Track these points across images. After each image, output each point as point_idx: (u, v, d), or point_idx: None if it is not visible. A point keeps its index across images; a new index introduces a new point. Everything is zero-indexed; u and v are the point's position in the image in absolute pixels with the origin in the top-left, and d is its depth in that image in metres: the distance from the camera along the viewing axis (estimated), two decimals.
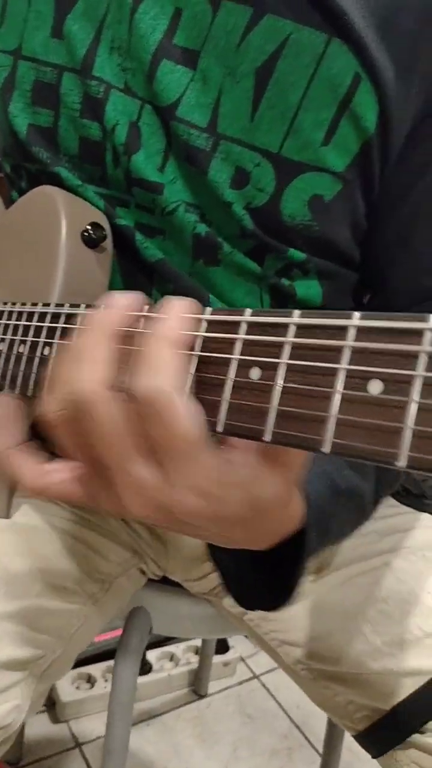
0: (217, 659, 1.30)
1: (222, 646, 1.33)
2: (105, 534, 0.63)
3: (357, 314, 0.25)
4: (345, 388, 0.24)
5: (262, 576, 0.40)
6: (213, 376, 0.29)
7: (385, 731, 0.53)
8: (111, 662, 1.24)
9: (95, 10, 0.50)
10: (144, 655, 1.26)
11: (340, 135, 0.49)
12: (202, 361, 0.30)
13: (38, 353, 0.44)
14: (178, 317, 0.30)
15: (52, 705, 1.20)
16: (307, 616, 0.58)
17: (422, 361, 0.22)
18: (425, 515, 0.63)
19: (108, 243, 0.53)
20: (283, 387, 0.27)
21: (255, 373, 0.28)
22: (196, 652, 1.31)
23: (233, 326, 0.29)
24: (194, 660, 1.30)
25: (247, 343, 0.29)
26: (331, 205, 0.51)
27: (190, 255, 0.54)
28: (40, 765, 1.12)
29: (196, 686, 1.29)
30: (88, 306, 0.40)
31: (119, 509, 0.31)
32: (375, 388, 0.23)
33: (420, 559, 0.57)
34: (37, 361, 0.43)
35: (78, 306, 0.41)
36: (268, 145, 0.49)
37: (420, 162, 0.51)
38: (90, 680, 1.22)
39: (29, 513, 0.58)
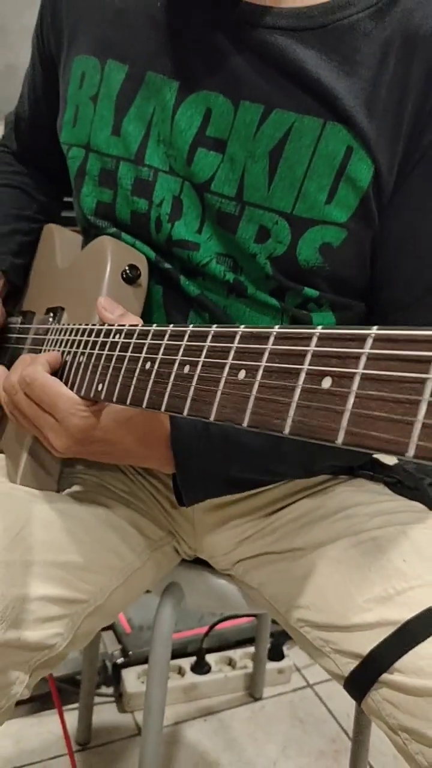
0: (272, 666, 1.40)
1: (277, 654, 1.42)
2: (144, 514, 0.76)
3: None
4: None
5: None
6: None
7: (363, 673, 0.62)
8: (173, 662, 1.36)
9: (144, 113, 0.66)
10: (203, 656, 1.38)
11: (340, 195, 0.62)
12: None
13: (77, 360, 0.59)
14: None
15: (119, 696, 1.33)
16: (306, 583, 0.69)
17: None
18: (414, 503, 0.73)
19: (143, 280, 0.67)
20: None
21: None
22: (252, 659, 1.41)
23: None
24: (250, 665, 1.40)
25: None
26: (339, 249, 0.64)
27: (224, 292, 0.68)
28: (106, 748, 1.24)
29: (252, 690, 1.39)
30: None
31: (53, 448, 0.62)
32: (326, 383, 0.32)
33: (401, 534, 0.67)
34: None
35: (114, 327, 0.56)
36: (283, 208, 0.63)
37: (405, 197, 0.63)
38: None
39: (78, 489, 0.73)
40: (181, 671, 1.37)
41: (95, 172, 0.69)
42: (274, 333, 0.35)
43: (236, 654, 1.42)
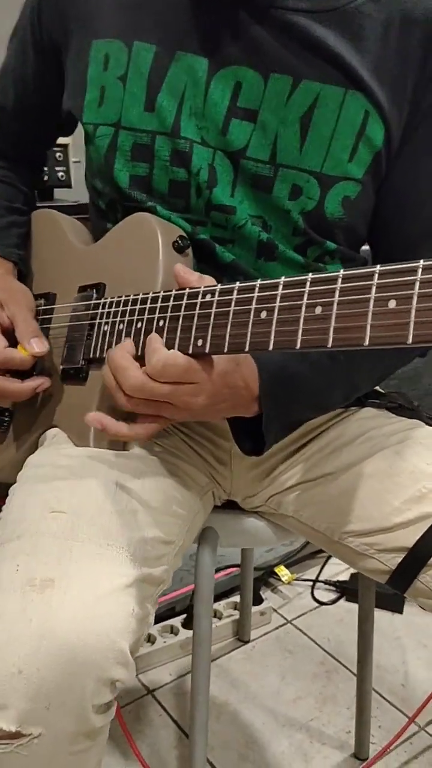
0: (255, 609, 1.51)
1: (257, 599, 1.54)
2: (190, 462, 0.84)
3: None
4: None
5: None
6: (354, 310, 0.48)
7: (411, 561, 0.74)
8: (166, 622, 1.44)
9: (176, 89, 0.72)
10: (192, 612, 1.46)
11: (359, 153, 0.73)
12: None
13: (153, 326, 0.65)
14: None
15: None
16: (344, 500, 0.79)
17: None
18: (415, 420, 0.86)
19: (190, 250, 0.74)
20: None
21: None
22: (235, 608, 1.52)
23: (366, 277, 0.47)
24: (234, 613, 1.51)
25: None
26: (355, 201, 0.75)
27: (254, 255, 0.77)
28: (123, 710, 1.31)
29: (240, 634, 1.50)
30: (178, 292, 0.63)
31: (188, 410, 0.64)
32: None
33: (418, 445, 0.80)
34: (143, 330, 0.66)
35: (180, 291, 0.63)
36: (313, 167, 0.73)
37: (409, 153, 0.75)
38: (150, 639, 1.41)
39: (138, 447, 0.80)
40: (173, 630, 1.45)
41: (127, 148, 0.75)
42: (421, 266, 0.44)
43: (220, 605, 1.52)
